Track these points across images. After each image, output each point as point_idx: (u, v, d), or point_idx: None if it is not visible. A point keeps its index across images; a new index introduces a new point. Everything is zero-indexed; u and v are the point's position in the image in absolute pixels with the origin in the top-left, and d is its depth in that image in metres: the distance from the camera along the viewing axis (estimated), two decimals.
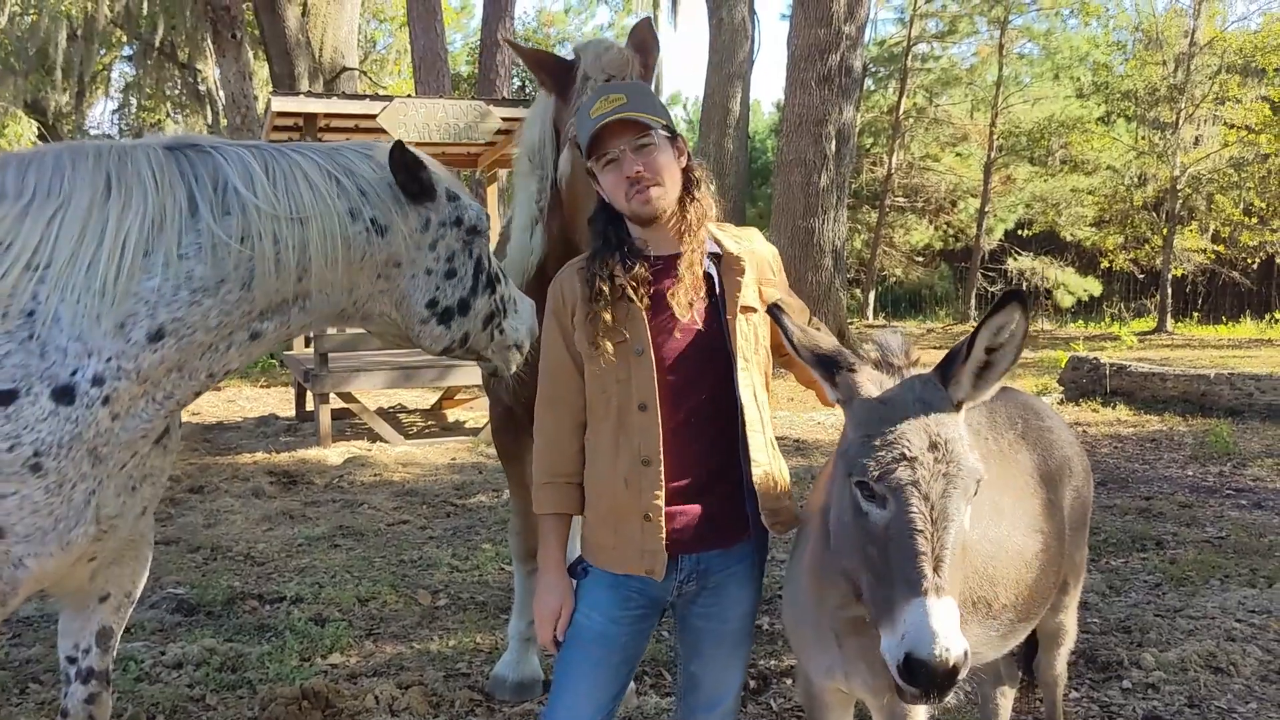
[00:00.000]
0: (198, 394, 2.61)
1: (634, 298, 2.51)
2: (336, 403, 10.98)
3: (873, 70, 34.68)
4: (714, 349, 2.56)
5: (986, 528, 2.69)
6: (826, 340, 2.33)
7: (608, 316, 2.51)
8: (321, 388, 10.41)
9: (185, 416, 12.60)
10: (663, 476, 2.49)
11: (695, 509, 2.54)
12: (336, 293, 2.68)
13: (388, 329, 2.91)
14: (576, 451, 2.63)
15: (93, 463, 2.42)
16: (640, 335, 2.51)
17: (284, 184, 2.55)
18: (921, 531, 1.98)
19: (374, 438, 10.90)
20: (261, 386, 16.03)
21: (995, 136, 31.16)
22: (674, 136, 2.57)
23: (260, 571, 6.38)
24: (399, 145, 2.63)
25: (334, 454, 10.18)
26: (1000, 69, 31.79)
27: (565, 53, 4.03)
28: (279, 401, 14.18)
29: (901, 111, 32.72)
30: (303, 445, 10.71)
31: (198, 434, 11.56)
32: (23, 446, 2.31)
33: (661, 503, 2.49)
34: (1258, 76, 25.97)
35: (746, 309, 2.58)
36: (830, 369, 2.26)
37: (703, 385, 2.54)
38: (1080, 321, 30.64)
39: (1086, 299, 31.27)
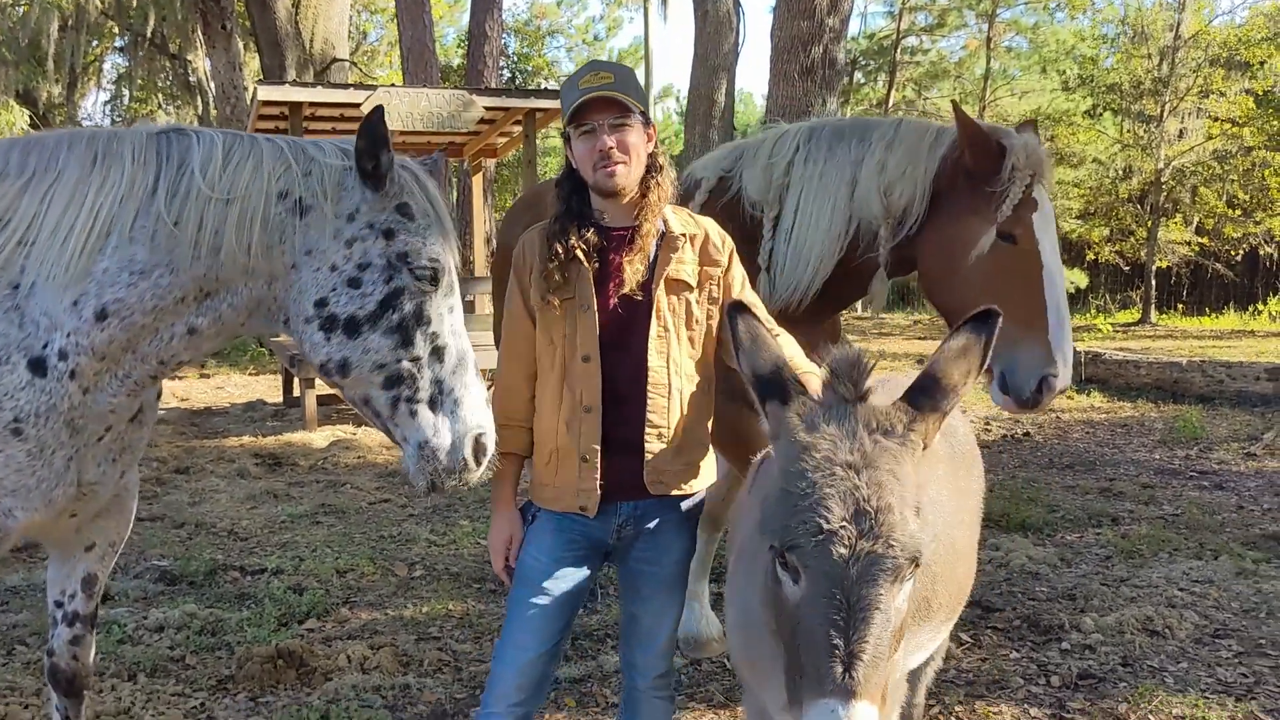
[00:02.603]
0: (155, 378, 2.70)
1: (584, 260, 2.74)
2: (323, 388, 11.14)
3: (862, 63, 34.91)
4: (646, 315, 2.78)
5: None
6: (768, 355, 2.07)
7: (558, 275, 2.74)
8: (307, 373, 10.59)
9: (173, 402, 12.80)
10: (600, 423, 2.72)
11: (634, 458, 2.76)
12: (257, 281, 2.61)
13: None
14: (528, 399, 2.86)
15: (70, 433, 2.61)
16: (586, 294, 2.74)
17: (233, 166, 2.56)
18: (834, 623, 1.73)
19: (359, 422, 11.07)
20: (250, 374, 16.20)
21: None
22: (647, 123, 2.80)
23: (243, 546, 6.57)
24: (378, 110, 2.63)
25: (319, 437, 10.37)
26: (988, 62, 32.06)
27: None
28: (267, 388, 14.35)
29: (891, 104, 32.93)
30: (289, 429, 10.89)
31: (185, 419, 11.75)
32: (3, 412, 2.51)
33: (598, 446, 2.73)
34: (1242, 70, 26.16)
35: (676, 283, 2.81)
36: (761, 394, 2.02)
37: (637, 346, 2.76)
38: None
39: (1073, 291, 31.48)
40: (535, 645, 2.76)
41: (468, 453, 2.58)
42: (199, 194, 2.50)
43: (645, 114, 2.79)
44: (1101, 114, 29.26)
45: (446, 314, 2.66)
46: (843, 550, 1.74)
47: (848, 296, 4.29)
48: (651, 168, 2.81)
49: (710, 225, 2.95)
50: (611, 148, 2.70)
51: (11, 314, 2.51)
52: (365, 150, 2.56)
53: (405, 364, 2.59)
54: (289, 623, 5.09)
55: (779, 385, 2.00)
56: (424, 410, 2.60)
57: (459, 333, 2.68)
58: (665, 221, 2.85)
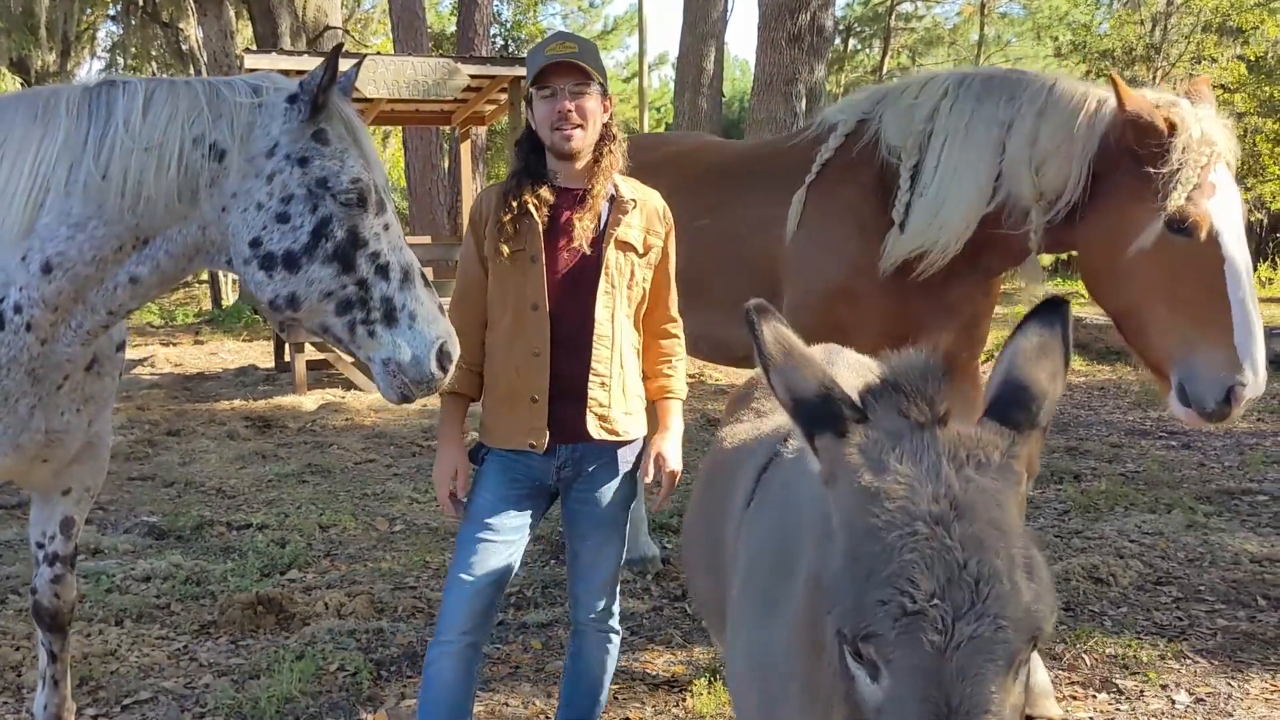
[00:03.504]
0: (105, 326, 2.81)
1: (535, 215, 2.94)
2: (313, 353, 11.34)
3: (857, 30, 34.90)
4: (594, 270, 2.97)
5: None
6: (810, 373, 1.58)
7: (510, 227, 2.94)
8: (297, 337, 10.75)
9: (167, 368, 12.98)
10: (548, 367, 2.94)
11: (575, 404, 2.97)
12: (190, 227, 2.66)
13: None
14: (478, 344, 3.06)
15: (32, 382, 2.77)
16: (535, 246, 2.95)
17: (153, 114, 2.59)
18: None
19: (349, 386, 11.27)
20: (244, 340, 16.37)
21: None
22: (605, 94, 3.00)
23: (230, 503, 6.78)
24: (338, 47, 2.66)
25: (309, 401, 10.56)
26: (982, 28, 32.06)
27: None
28: (260, 354, 14.53)
29: (885, 71, 32.92)
30: (279, 393, 11.08)
31: (178, 383, 11.94)
32: None
33: (546, 387, 2.94)
34: (1234, 35, 26.18)
35: (623, 244, 3.02)
36: (807, 425, 1.55)
37: (583, 299, 2.96)
38: (1058, 280, 31.01)
39: (1066, 257, 31.59)
40: (482, 578, 2.96)
41: (433, 365, 2.67)
42: (122, 144, 2.56)
43: (604, 85, 2.99)
44: (1097, 80, 29.22)
45: (382, 232, 2.69)
46: (936, 637, 1.30)
47: (993, 266, 3.91)
48: (605, 136, 3.01)
49: (655, 197, 3.16)
50: (570, 110, 2.90)
51: None
52: (322, 84, 2.60)
53: (351, 288, 2.64)
54: (271, 573, 5.30)
55: (830, 413, 1.53)
56: (381, 329, 2.66)
57: (399, 247, 2.73)
58: (615, 186, 3.04)
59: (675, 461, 3.05)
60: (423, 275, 2.77)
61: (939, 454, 1.43)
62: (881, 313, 3.85)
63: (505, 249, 2.94)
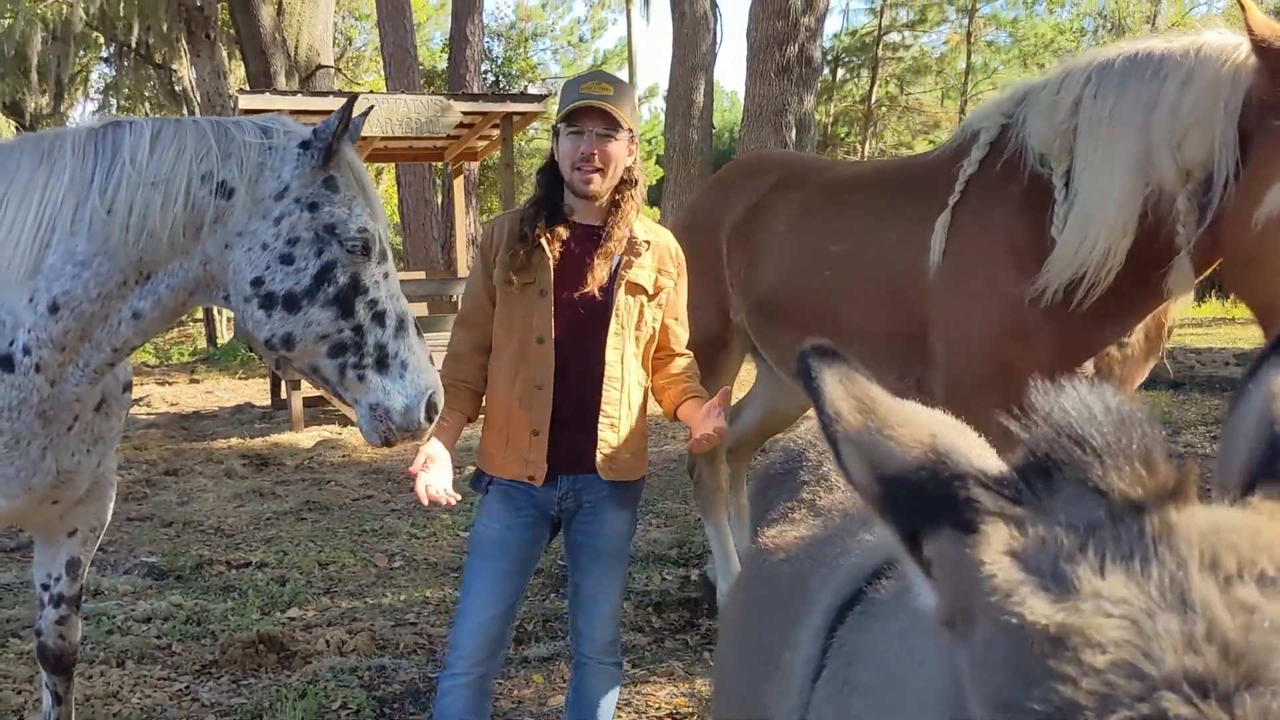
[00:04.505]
0: (111, 364, 2.84)
1: (548, 249, 2.97)
2: (309, 390, 11.34)
3: (845, 60, 35.16)
4: (602, 309, 3.01)
5: None
6: (908, 437, 0.91)
7: (523, 258, 2.97)
8: (293, 375, 10.77)
9: (162, 406, 12.98)
10: (550, 400, 2.96)
11: (576, 436, 2.99)
12: (191, 262, 2.70)
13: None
14: (479, 366, 3.09)
15: (43, 423, 2.80)
16: (545, 280, 2.97)
17: (159, 151, 2.64)
18: None
19: (345, 422, 11.27)
20: (239, 378, 16.39)
21: None
22: (632, 139, 3.03)
23: (229, 541, 6.78)
24: (353, 97, 2.73)
25: (305, 438, 10.57)
26: (969, 57, 32.32)
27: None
28: (256, 392, 14.54)
29: (874, 100, 33.19)
30: (276, 431, 11.09)
31: (175, 422, 11.94)
32: None
33: (548, 421, 2.96)
34: None
35: (634, 286, 3.04)
36: (906, 518, 0.88)
37: (589, 336, 2.99)
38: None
39: None
40: (490, 607, 2.99)
41: (422, 415, 2.72)
42: (129, 179, 2.61)
43: (633, 131, 3.01)
44: None
45: (382, 280, 2.75)
46: None
47: (1143, 299, 3.26)
48: (626, 180, 3.03)
49: (668, 237, 3.19)
50: (593, 154, 2.92)
51: None
52: (336, 132, 2.67)
53: (347, 333, 2.69)
54: (271, 611, 5.30)
55: (948, 496, 0.85)
56: (371, 374, 2.71)
57: (396, 296, 2.79)
58: (629, 226, 3.07)
59: (717, 418, 2.87)
60: (416, 326, 2.82)
61: (1183, 558, 0.75)
62: (1056, 349, 3.24)
63: (515, 279, 2.96)
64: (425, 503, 2.84)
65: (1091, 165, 3.15)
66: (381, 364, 2.72)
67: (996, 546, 0.79)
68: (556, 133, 3.03)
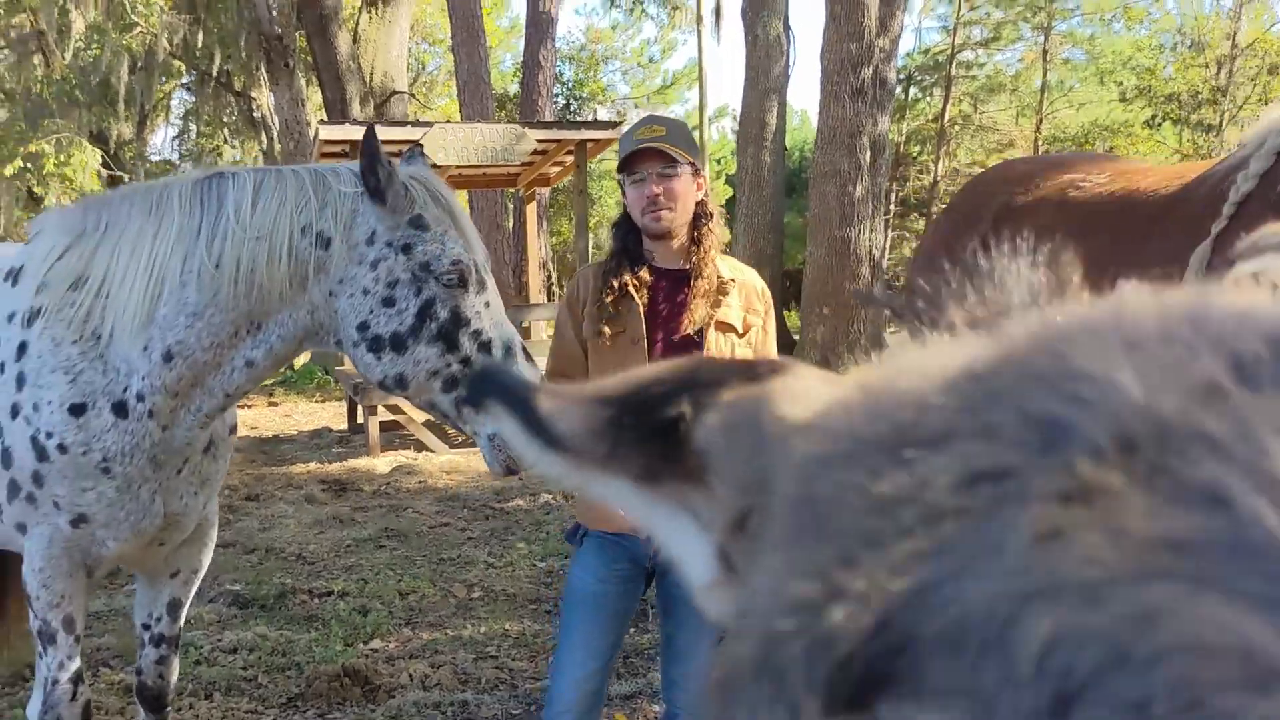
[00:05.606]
0: (222, 409, 2.91)
1: (635, 297, 2.97)
2: (385, 415, 11.47)
3: (918, 78, 34.91)
4: (696, 352, 2.98)
5: None
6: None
7: (611, 308, 2.97)
8: (371, 400, 10.91)
9: (243, 430, 13.18)
10: None
11: None
12: (300, 311, 2.76)
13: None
14: None
15: (154, 468, 2.87)
16: (637, 328, 2.97)
17: (262, 204, 2.71)
18: None
19: (420, 447, 11.38)
20: (316, 402, 16.62)
21: (1041, 142, 31.24)
22: (696, 173, 3.03)
23: (310, 569, 6.86)
24: (369, 129, 2.72)
25: (382, 463, 10.67)
26: (1045, 74, 31.89)
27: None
28: (332, 415, 14.74)
29: (947, 119, 32.88)
30: (353, 455, 11.22)
31: (255, 446, 12.13)
32: (93, 453, 2.77)
33: None
34: None
35: (724, 325, 3.02)
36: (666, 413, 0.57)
37: None
38: None
39: None
40: (588, 661, 2.98)
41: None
42: (234, 234, 2.68)
43: (694, 165, 3.01)
44: (1160, 124, 29.06)
45: (484, 309, 2.77)
46: None
47: None
48: (701, 214, 3.04)
49: (753, 275, 3.17)
50: (658, 194, 2.93)
51: (96, 362, 2.77)
52: (366, 169, 2.70)
53: (456, 366, 2.72)
54: (354, 643, 5.34)
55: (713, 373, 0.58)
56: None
57: (500, 323, 2.80)
58: (714, 262, 3.06)
59: None
60: (524, 349, 2.83)
61: None
62: None
63: (606, 330, 2.97)
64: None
65: None
66: None
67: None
68: (622, 185, 3.04)
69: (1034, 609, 0.33)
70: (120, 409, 2.76)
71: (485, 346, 2.75)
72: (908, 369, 0.45)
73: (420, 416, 13.44)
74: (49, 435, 2.75)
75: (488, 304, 2.80)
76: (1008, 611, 0.33)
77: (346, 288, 2.73)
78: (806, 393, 0.52)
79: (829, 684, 0.37)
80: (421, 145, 3.02)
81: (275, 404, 16.30)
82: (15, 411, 2.78)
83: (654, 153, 2.94)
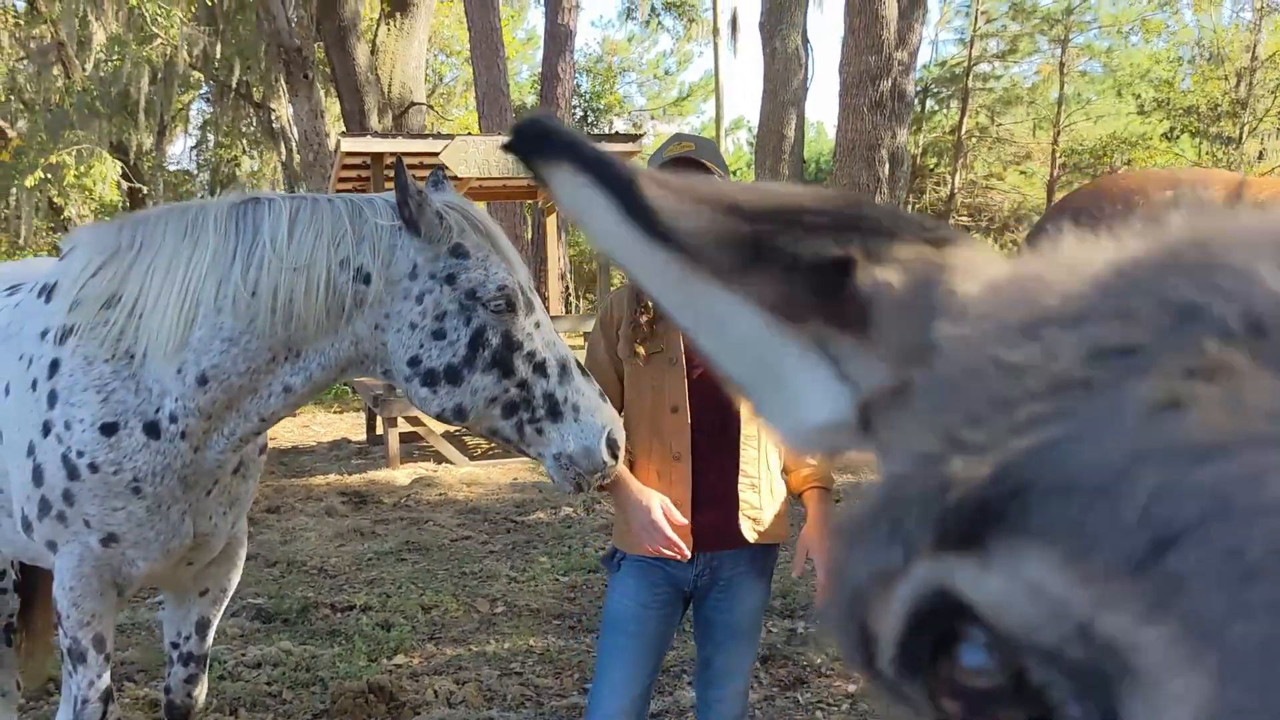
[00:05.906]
0: (256, 433, 2.89)
1: None
2: (405, 426, 11.46)
3: (934, 91, 34.87)
4: None
5: None
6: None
7: (647, 328, 2.95)
8: (390, 412, 10.90)
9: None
10: (690, 471, 2.90)
11: (716, 512, 2.93)
12: (342, 342, 2.74)
13: None
14: None
15: (184, 489, 2.85)
16: (674, 347, 2.94)
17: (299, 234, 2.68)
18: None
19: (440, 459, 11.37)
20: (335, 412, 16.63)
21: (1058, 154, 31.20)
22: None
23: (332, 583, 6.84)
24: (399, 162, 2.70)
25: (402, 475, 10.66)
26: (1062, 87, 31.84)
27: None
28: (351, 426, 14.74)
29: (964, 131, 32.84)
30: (373, 467, 11.21)
31: (274, 458, 12.12)
32: (124, 472, 2.75)
33: (688, 496, 2.90)
34: None
35: None
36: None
37: (724, 402, 2.94)
38: None
39: None
40: (628, 688, 2.94)
41: (605, 454, 2.69)
42: (270, 263, 2.66)
43: (725, 180, 2.98)
44: (1179, 136, 28.95)
45: (534, 330, 2.74)
46: None
47: None
48: None
49: None
50: None
51: (129, 382, 2.75)
52: (400, 201, 2.69)
53: (514, 390, 2.69)
54: (378, 658, 5.32)
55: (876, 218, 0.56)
56: (548, 425, 2.69)
57: (553, 343, 2.77)
58: None
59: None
60: (579, 365, 2.79)
61: None
62: None
63: (641, 350, 2.94)
64: (687, 556, 2.84)
65: None
66: (554, 413, 2.69)
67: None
68: None
69: (1145, 464, 0.36)
70: (152, 429, 2.74)
71: (540, 368, 2.71)
72: (1062, 262, 0.48)
73: (439, 428, 13.43)
74: (80, 454, 2.74)
75: (538, 324, 2.77)
76: (1120, 466, 0.36)
77: (394, 323, 2.71)
78: (978, 270, 0.53)
79: (943, 522, 0.41)
80: (445, 169, 2.99)
81: (294, 415, 16.31)
82: (47, 429, 2.77)
83: (689, 163, 2.91)
